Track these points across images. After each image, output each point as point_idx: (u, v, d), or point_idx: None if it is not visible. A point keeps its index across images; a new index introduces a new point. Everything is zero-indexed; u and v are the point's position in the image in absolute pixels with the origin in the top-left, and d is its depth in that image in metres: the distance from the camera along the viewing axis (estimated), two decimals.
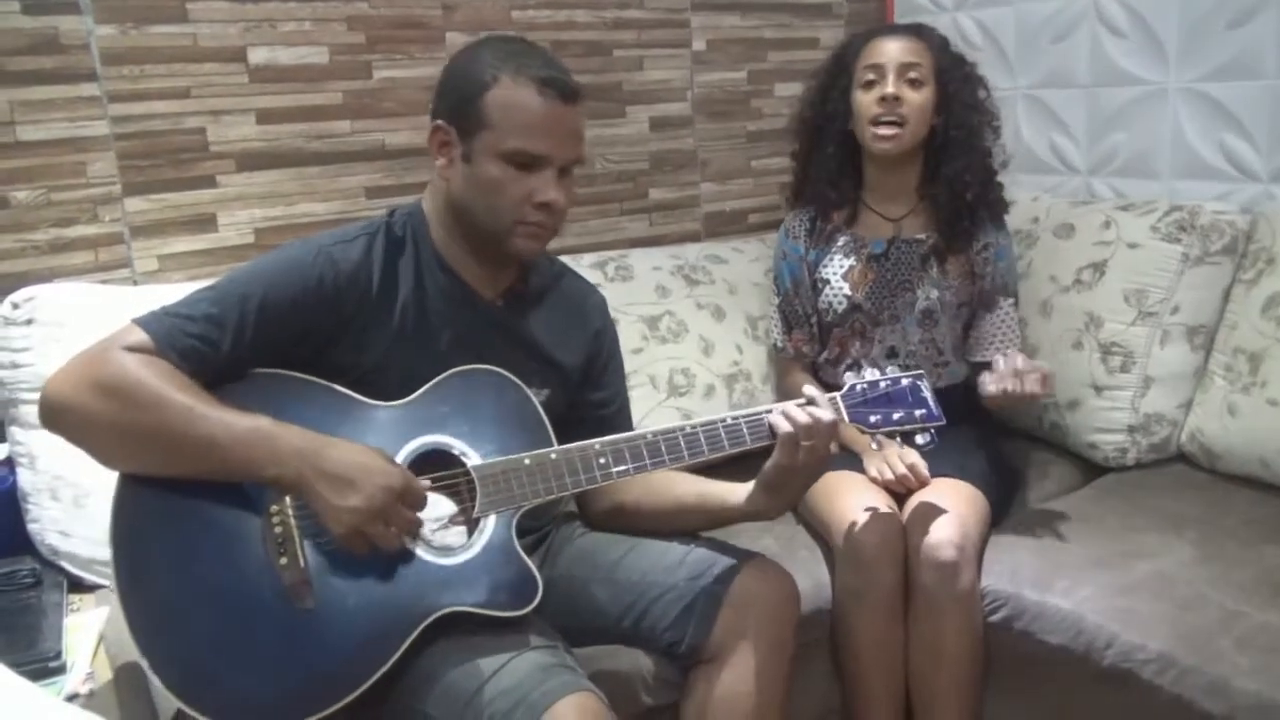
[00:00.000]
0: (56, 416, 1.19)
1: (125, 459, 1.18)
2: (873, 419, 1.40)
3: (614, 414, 1.52)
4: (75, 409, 1.16)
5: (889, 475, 1.70)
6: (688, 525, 1.46)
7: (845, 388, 1.42)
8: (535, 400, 1.36)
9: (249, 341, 1.22)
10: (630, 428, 1.55)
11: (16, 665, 1.19)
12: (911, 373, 1.45)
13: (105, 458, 1.19)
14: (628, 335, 2.02)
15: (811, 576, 1.63)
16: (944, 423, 1.43)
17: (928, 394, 1.44)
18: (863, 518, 1.60)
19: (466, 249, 1.36)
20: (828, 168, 1.89)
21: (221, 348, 1.21)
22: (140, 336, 1.18)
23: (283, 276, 1.25)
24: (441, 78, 1.34)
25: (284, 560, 1.17)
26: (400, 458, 1.25)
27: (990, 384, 1.60)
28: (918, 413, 1.42)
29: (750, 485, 1.39)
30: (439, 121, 1.31)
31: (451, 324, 1.35)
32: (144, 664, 1.10)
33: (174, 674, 1.10)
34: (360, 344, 1.30)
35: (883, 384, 1.42)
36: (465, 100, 1.27)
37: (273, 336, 1.24)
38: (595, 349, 1.51)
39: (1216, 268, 1.90)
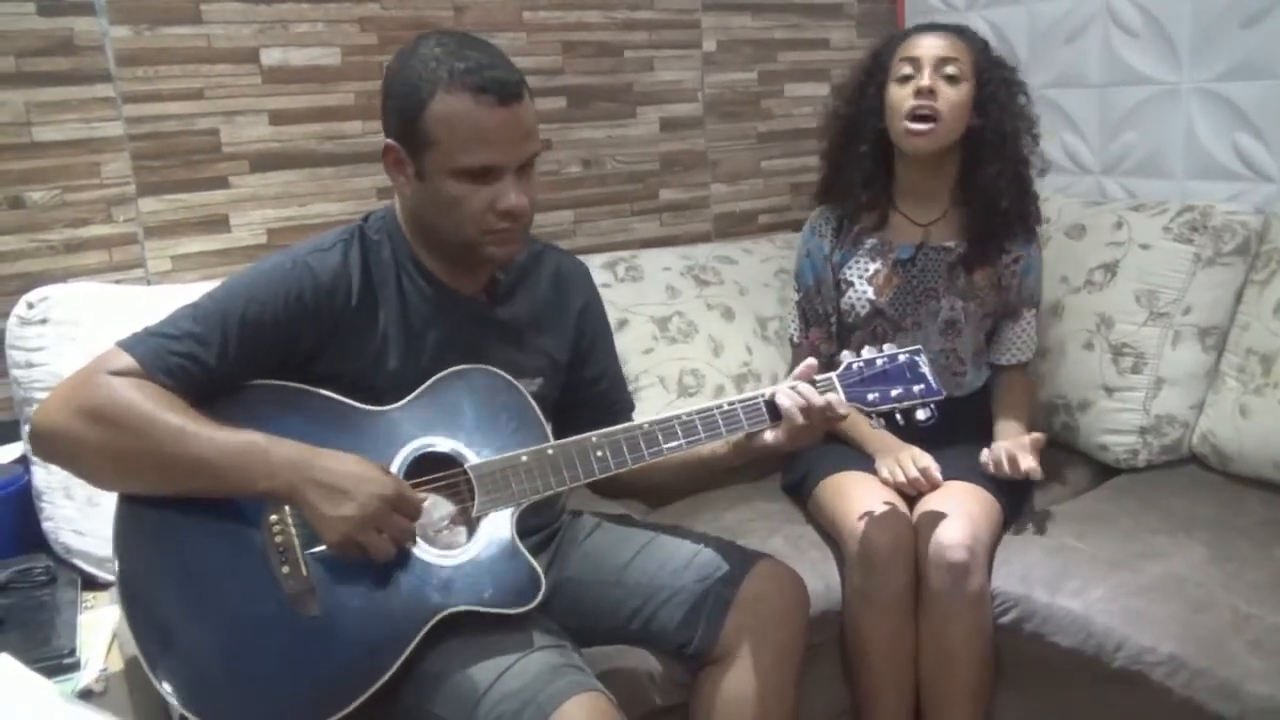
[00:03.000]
0: (47, 445, 1.20)
1: (119, 482, 1.19)
2: (870, 397, 1.38)
3: (607, 389, 1.52)
4: (65, 436, 1.17)
5: (900, 478, 1.69)
6: (667, 476, 1.47)
7: (842, 366, 1.39)
8: (528, 395, 1.36)
9: (234, 357, 1.22)
10: (627, 400, 1.56)
11: (31, 662, 1.20)
12: (909, 349, 1.43)
13: (99, 481, 1.21)
14: (637, 335, 2.02)
15: (821, 578, 1.63)
16: (943, 396, 1.41)
17: (926, 369, 1.41)
18: (873, 519, 1.60)
19: (440, 255, 1.35)
20: (861, 167, 1.83)
21: (208, 365, 1.21)
22: (126, 360, 1.19)
23: (263, 290, 1.25)
24: (382, 91, 1.30)
25: (286, 569, 1.17)
26: (397, 462, 1.26)
27: (989, 465, 1.66)
28: (916, 388, 1.39)
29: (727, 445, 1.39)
30: (389, 141, 1.28)
31: (436, 326, 1.35)
32: (152, 678, 1.11)
33: (183, 688, 1.11)
34: (346, 352, 1.29)
35: (879, 361, 1.40)
36: (406, 119, 1.23)
37: (257, 350, 1.24)
38: (581, 325, 1.50)
39: (1229, 268, 1.89)
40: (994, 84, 1.77)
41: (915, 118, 1.72)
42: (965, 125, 1.76)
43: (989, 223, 1.80)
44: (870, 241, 1.86)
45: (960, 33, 1.79)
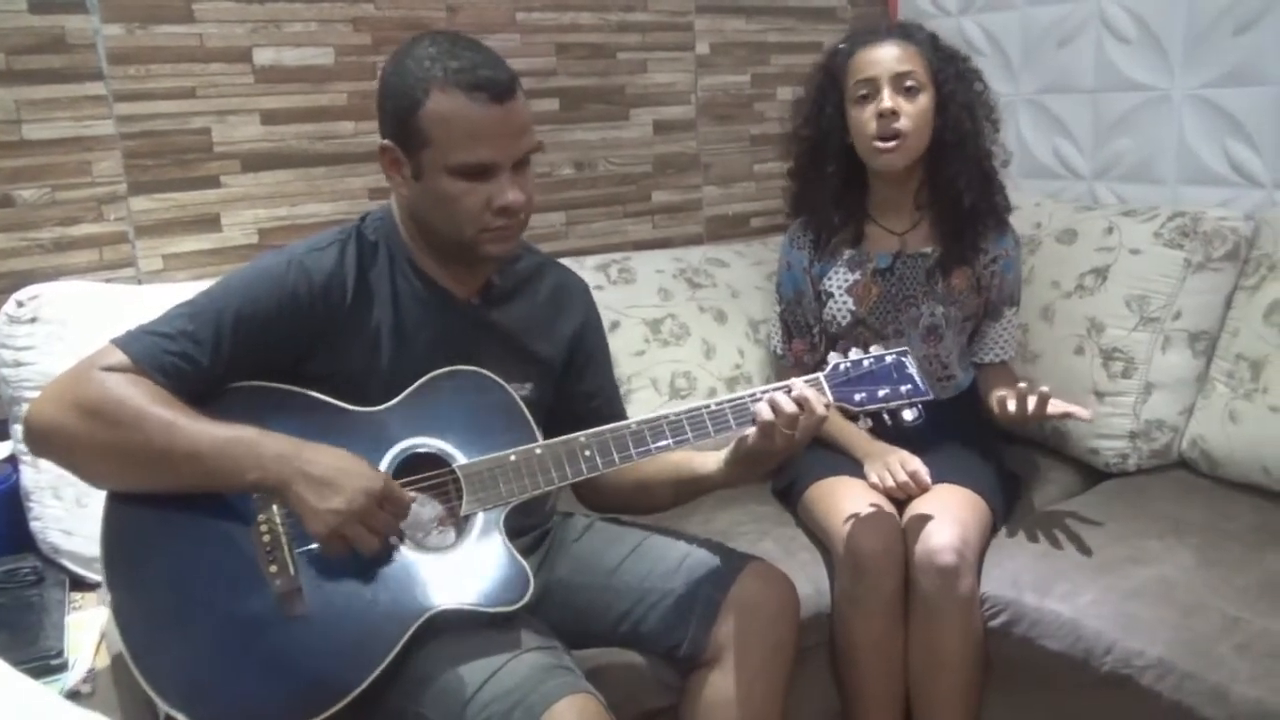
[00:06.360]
0: (41, 440, 1.20)
1: (112, 477, 1.19)
2: (857, 397, 1.38)
3: (602, 405, 1.52)
4: (59, 431, 1.17)
5: (890, 482, 1.68)
6: (661, 497, 1.47)
7: (829, 367, 1.39)
8: (518, 397, 1.36)
9: (228, 355, 1.22)
10: (621, 418, 1.54)
11: (18, 663, 1.19)
12: (896, 349, 1.43)
13: (92, 477, 1.21)
14: (630, 338, 2.02)
15: (812, 580, 1.63)
16: (931, 397, 1.40)
17: (913, 370, 1.41)
18: (862, 524, 1.60)
19: (437, 255, 1.35)
20: (830, 187, 1.81)
21: (201, 363, 1.21)
22: (119, 356, 1.19)
23: (257, 289, 1.25)
24: (377, 93, 1.30)
25: (274, 568, 1.17)
26: (385, 462, 1.26)
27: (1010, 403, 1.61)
28: (903, 389, 1.39)
29: (721, 455, 1.39)
30: (385, 141, 1.29)
31: (429, 326, 1.35)
32: (139, 678, 1.10)
33: (169, 687, 1.10)
34: (338, 352, 1.30)
35: (866, 362, 1.40)
36: (402, 118, 1.25)
37: (251, 349, 1.24)
38: (577, 341, 1.50)
39: (1219, 274, 1.90)
40: (950, 81, 1.75)
41: (881, 137, 1.71)
42: (931, 131, 1.74)
43: (957, 222, 1.78)
44: (848, 253, 1.85)
45: (908, 36, 1.75)
